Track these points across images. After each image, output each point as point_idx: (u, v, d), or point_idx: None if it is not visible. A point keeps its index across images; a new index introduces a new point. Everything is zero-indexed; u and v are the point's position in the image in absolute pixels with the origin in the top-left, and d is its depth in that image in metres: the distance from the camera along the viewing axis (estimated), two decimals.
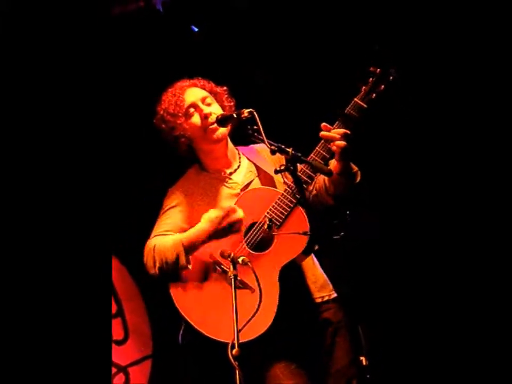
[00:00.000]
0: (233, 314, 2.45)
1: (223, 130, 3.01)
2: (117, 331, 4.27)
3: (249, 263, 2.60)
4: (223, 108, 3.08)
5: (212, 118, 2.99)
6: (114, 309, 4.31)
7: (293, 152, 2.57)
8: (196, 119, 3.03)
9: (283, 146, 2.60)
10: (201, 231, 2.82)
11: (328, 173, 2.73)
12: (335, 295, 3.00)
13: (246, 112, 2.74)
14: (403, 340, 4.04)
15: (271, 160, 3.08)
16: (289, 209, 2.83)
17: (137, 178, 4.28)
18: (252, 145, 3.20)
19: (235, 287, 2.53)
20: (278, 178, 3.00)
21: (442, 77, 3.96)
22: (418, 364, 3.99)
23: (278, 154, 2.64)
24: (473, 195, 3.95)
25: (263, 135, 2.63)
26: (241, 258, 2.61)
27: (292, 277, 2.86)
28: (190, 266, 2.86)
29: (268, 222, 2.83)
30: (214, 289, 2.85)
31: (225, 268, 2.77)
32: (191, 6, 4.07)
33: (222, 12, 4.13)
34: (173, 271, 2.85)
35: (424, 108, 3.95)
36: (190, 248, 2.84)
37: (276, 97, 4.14)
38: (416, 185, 4.11)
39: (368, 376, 2.45)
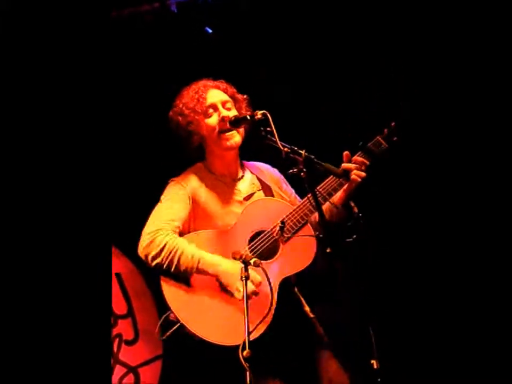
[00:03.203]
0: (245, 315, 2.46)
1: (237, 140, 3.01)
2: (127, 331, 4.28)
3: (260, 265, 2.60)
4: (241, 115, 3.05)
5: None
6: (125, 309, 4.32)
7: (306, 154, 2.58)
8: (214, 120, 3.02)
9: (296, 148, 2.60)
10: (218, 271, 2.81)
11: (341, 175, 2.78)
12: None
13: (259, 113, 2.74)
14: (412, 342, 4.03)
15: (271, 180, 3.13)
16: (300, 224, 2.86)
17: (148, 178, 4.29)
18: (254, 162, 3.21)
19: (246, 289, 2.53)
20: (278, 194, 3.06)
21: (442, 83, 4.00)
22: (427, 365, 3.98)
23: (272, 176, 2.80)
24: (473, 198, 3.98)
25: (277, 137, 2.63)
26: (253, 260, 2.60)
27: (290, 290, 2.90)
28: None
29: (280, 225, 2.83)
30: (205, 288, 2.83)
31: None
32: (205, 8, 4.08)
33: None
34: (171, 273, 2.83)
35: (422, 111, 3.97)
36: (202, 272, 2.82)
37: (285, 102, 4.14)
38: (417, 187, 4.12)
39: (379, 380, 2.43)
